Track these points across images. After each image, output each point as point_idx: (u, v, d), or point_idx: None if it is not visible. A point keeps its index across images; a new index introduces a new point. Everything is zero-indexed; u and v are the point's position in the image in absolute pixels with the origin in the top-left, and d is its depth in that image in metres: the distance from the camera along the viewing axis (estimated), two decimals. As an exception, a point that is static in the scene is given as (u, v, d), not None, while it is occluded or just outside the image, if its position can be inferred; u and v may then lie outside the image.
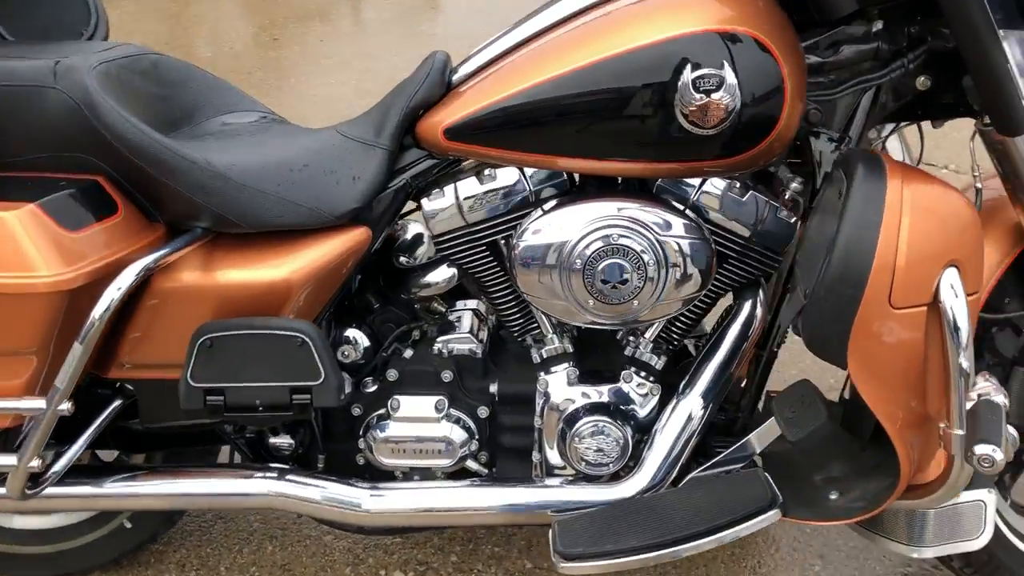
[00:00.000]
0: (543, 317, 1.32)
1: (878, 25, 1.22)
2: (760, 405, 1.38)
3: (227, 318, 1.22)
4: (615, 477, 1.31)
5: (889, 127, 1.37)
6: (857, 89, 1.24)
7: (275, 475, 1.31)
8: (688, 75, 1.12)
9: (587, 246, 1.19)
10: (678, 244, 1.20)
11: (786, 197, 1.29)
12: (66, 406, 1.18)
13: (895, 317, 1.05)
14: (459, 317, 1.40)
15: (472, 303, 1.42)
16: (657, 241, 1.19)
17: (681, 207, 1.24)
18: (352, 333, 1.37)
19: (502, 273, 1.31)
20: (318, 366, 1.22)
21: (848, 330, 1.04)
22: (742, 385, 1.38)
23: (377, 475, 1.37)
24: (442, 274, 1.34)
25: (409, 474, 1.36)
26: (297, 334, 1.21)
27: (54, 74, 1.17)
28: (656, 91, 1.13)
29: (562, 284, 1.21)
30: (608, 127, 1.17)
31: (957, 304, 1.05)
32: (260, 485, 1.30)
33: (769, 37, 1.13)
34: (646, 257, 1.19)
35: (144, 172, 1.19)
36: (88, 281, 1.14)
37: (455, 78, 1.28)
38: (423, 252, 1.39)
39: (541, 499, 1.30)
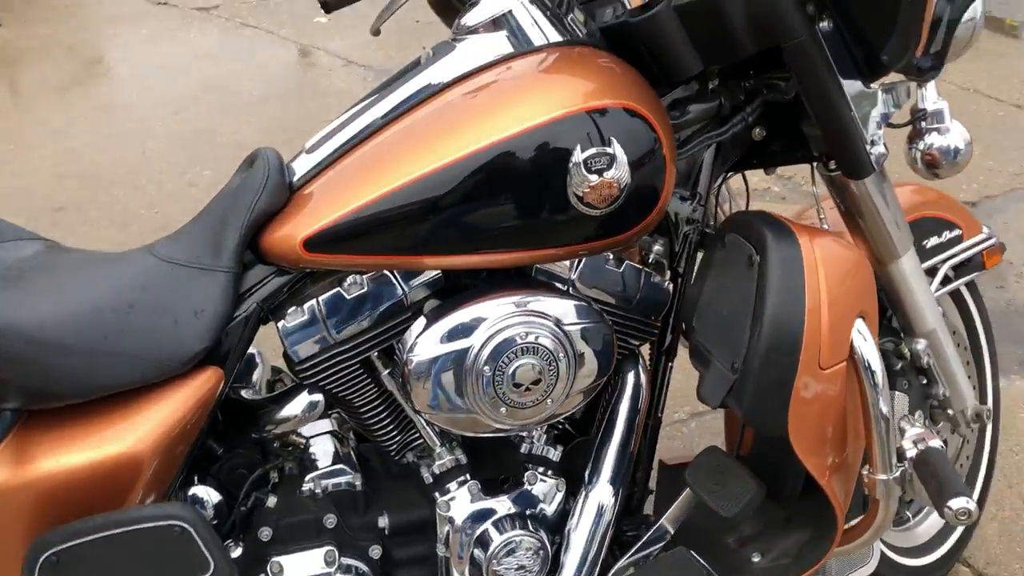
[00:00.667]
0: (429, 430, 1.18)
1: (715, 82, 1.22)
2: (653, 476, 1.34)
3: (66, 520, 0.95)
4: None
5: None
6: (704, 146, 1.23)
7: None
8: (579, 156, 1.04)
9: (494, 350, 1.07)
10: (581, 331, 1.11)
11: (650, 261, 1.26)
12: None
13: (824, 377, 1.04)
14: (319, 445, 1.22)
15: (324, 424, 1.24)
16: (563, 332, 1.10)
17: (566, 289, 1.16)
18: (196, 491, 1.14)
19: (378, 390, 1.16)
20: (204, 555, 0.99)
21: (788, 400, 1.02)
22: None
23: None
24: (304, 404, 1.15)
25: None
26: (173, 522, 0.97)
27: None
28: (544, 177, 1.04)
29: (468, 396, 1.08)
30: (494, 219, 1.06)
31: (869, 351, 1.07)
32: None
33: (643, 106, 1.08)
34: (557, 352, 1.09)
35: None
36: None
37: (295, 179, 1.11)
38: (278, 388, 1.20)
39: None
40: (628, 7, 1.14)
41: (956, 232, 1.48)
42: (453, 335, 1.08)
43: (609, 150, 1.04)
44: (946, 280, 1.47)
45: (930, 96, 1.25)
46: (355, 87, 3.87)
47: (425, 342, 1.07)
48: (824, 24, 1.11)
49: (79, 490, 0.97)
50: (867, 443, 1.10)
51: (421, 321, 1.09)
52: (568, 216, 1.06)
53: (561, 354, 1.09)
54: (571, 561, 1.18)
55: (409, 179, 1.03)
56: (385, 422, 1.17)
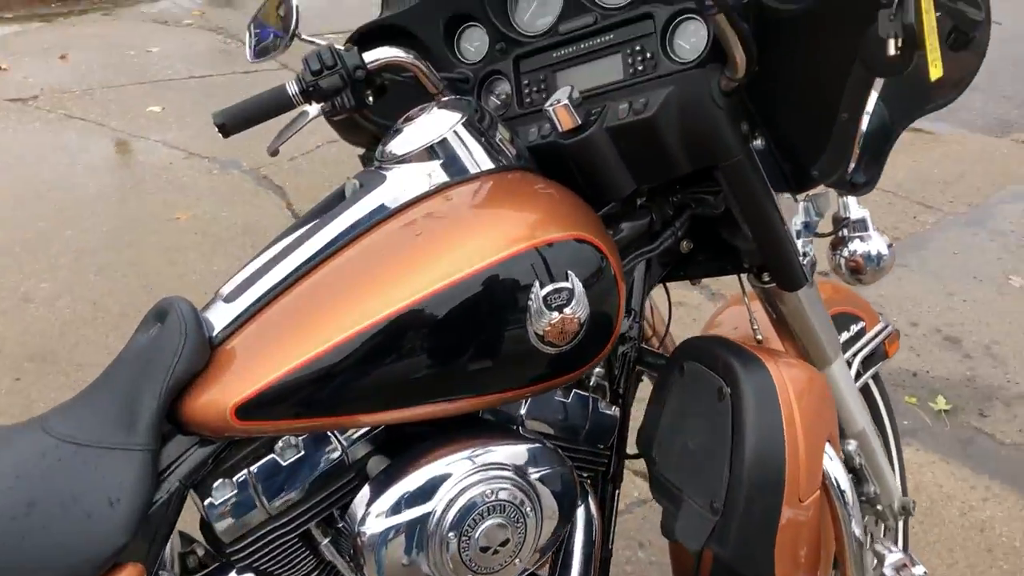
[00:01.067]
0: None
1: (643, 198, 1.20)
2: None
3: None
4: None
5: None
6: (638, 262, 1.20)
7: None
8: (538, 294, 0.97)
9: (457, 515, 0.97)
10: (543, 477, 1.03)
11: (591, 385, 1.20)
12: None
13: (803, 509, 1.01)
14: None
15: None
16: (527, 482, 1.01)
17: (516, 428, 1.08)
18: None
19: (317, 561, 1.03)
20: None
21: (774, 539, 0.97)
22: None
23: None
24: None
25: None
26: None
27: None
28: (502, 318, 0.96)
29: (432, 565, 0.97)
30: (448, 367, 0.97)
31: (840, 476, 1.04)
32: None
33: (591, 233, 1.03)
34: (524, 506, 1.00)
35: None
36: None
37: (214, 334, 0.98)
38: (192, 563, 1.04)
39: None
40: (557, 127, 1.09)
41: (861, 324, 1.51)
42: (409, 502, 0.96)
43: (567, 285, 0.98)
44: (857, 375, 1.49)
45: (852, 205, 1.27)
46: (199, 180, 3.68)
47: (378, 511, 0.96)
48: (757, 142, 1.11)
49: None
50: (842, 569, 1.07)
51: (368, 487, 0.98)
52: (527, 356, 0.98)
53: (528, 508, 1.01)
54: None
55: (352, 332, 0.92)
56: None
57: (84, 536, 0.86)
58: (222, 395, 0.92)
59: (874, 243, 1.25)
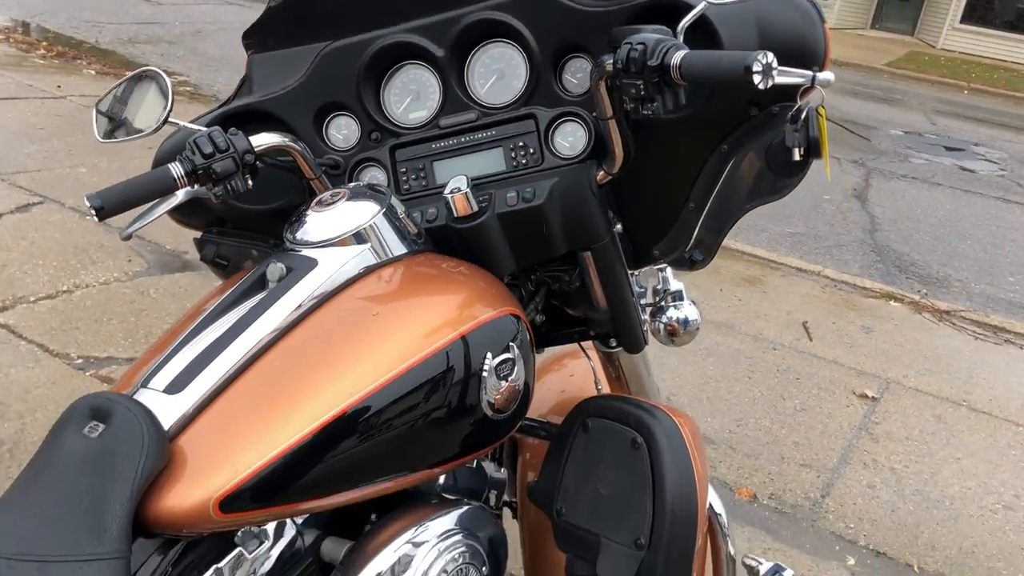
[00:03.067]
0: None
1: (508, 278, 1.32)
2: None
3: None
4: None
5: None
6: None
7: None
8: (490, 365, 1.04)
9: None
10: (490, 538, 1.09)
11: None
12: None
13: (703, 536, 1.16)
14: None
15: None
16: (486, 546, 1.07)
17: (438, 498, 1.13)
18: None
19: None
20: None
21: (691, 564, 1.12)
22: None
23: None
24: None
25: None
26: None
27: None
28: (462, 391, 1.02)
29: None
30: (418, 442, 1.00)
31: (719, 504, 1.22)
32: None
33: (516, 307, 1.13)
34: (483, 568, 1.05)
35: None
36: None
37: (167, 428, 0.93)
38: None
39: None
40: (453, 212, 1.18)
41: None
42: (391, 576, 0.98)
43: (510, 355, 1.07)
44: None
45: (670, 279, 1.50)
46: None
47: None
48: (617, 227, 1.29)
49: None
50: (715, 569, 1.25)
51: (346, 570, 0.98)
52: (479, 425, 1.05)
53: (484, 566, 1.06)
54: None
55: (324, 420, 0.93)
56: None
57: None
58: (202, 490, 0.88)
59: (687, 310, 1.48)
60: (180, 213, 1.30)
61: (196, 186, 1.12)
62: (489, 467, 1.26)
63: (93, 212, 1.05)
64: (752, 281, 4.23)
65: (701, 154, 1.20)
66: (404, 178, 1.25)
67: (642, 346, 1.35)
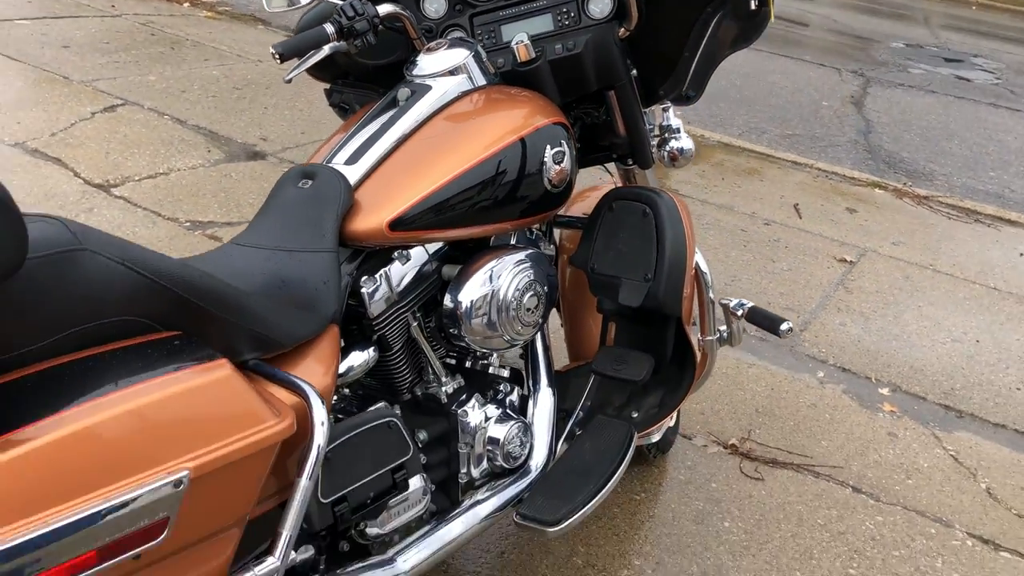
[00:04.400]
0: (437, 364, 1.59)
1: None
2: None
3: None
4: (521, 466, 1.67)
5: None
6: None
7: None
8: (548, 154, 1.58)
9: (515, 290, 1.55)
10: (548, 273, 1.64)
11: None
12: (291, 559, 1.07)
13: (691, 278, 1.71)
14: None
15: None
16: (545, 274, 1.62)
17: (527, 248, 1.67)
18: None
19: (408, 339, 1.55)
20: (407, 441, 1.31)
21: (682, 289, 1.66)
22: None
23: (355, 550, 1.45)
24: (362, 357, 1.49)
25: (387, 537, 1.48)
26: (386, 418, 1.29)
27: (74, 233, 1.02)
28: (532, 168, 1.56)
29: (501, 322, 1.54)
30: (507, 199, 1.54)
31: (701, 260, 1.77)
32: None
33: (564, 119, 1.66)
34: (543, 286, 1.61)
35: (192, 307, 1.11)
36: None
37: (351, 183, 1.47)
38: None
39: (498, 503, 1.59)
40: (517, 59, 1.70)
41: None
42: (487, 285, 1.53)
43: (562, 148, 1.60)
44: None
45: (672, 117, 2.01)
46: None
47: (468, 292, 1.51)
48: (633, 72, 1.80)
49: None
50: (702, 323, 1.80)
51: (459, 280, 1.53)
52: (542, 195, 1.59)
53: (545, 288, 1.61)
54: (539, 439, 1.69)
55: (451, 176, 1.47)
56: (407, 364, 1.56)
57: (318, 302, 1.33)
58: (377, 218, 1.42)
59: (684, 141, 1.99)
60: (316, 69, 1.81)
61: (340, 42, 1.63)
62: (542, 246, 1.79)
63: (277, 57, 1.57)
64: (751, 172, 4.73)
65: (693, 14, 1.71)
66: (479, 38, 1.76)
67: (651, 163, 1.88)
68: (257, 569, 1.06)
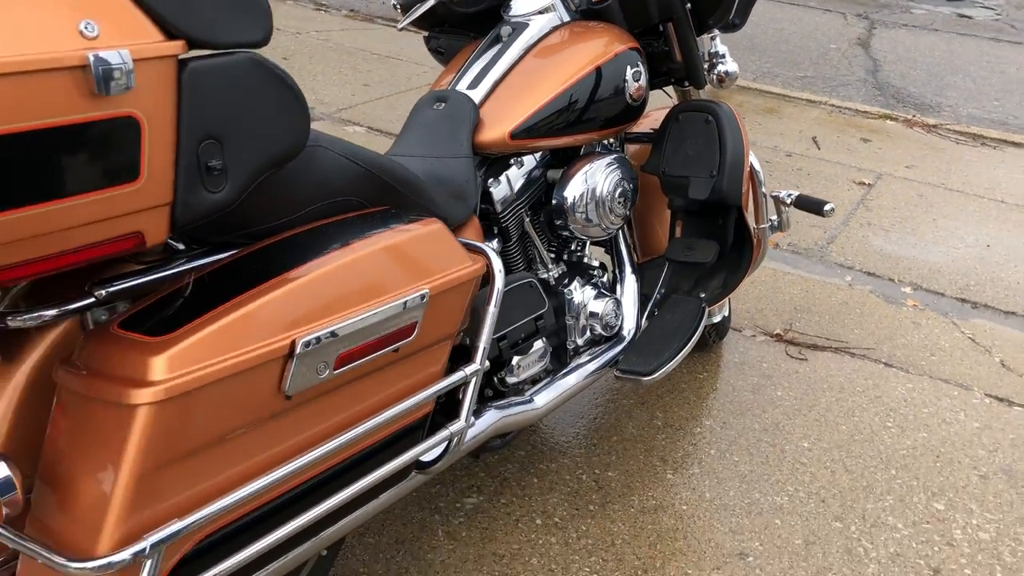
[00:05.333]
0: (545, 253, 1.95)
1: None
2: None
3: None
4: (616, 334, 2.04)
5: None
6: None
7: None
8: (629, 73, 1.92)
9: (612, 187, 1.90)
10: (632, 175, 1.99)
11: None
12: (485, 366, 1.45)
13: (748, 175, 2.06)
14: None
15: None
16: (630, 174, 1.97)
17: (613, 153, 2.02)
18: None
19: (521, 232, 1.90)
20: (543, 297, 1.68)
21: (741, 182, 2.01)
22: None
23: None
24: (491, 245, 1.85)
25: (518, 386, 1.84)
26: (528, 279, 1.65)
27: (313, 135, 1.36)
28: (619, 83, 1.91)
29: (599, 214, 1.89)
30: (600, 111, 1.89)
31: (754, 160, 2.12)
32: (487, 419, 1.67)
33: (638, 45, 2.00)
34: (631, 184, 1.96)
35: (394, 190, 1.46)
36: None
37: (476, 102, 1.82)
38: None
39: (600, 363, 1.95)
40: (590, 1, 2.04)
41: None
42: (588, 184, 1.88)
43: (639, 68, 1.95)
44: None
45: (719, 44, 2.35)
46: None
47: (574, 189, 1.87)
48: (688, 5, 2.14)
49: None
50: (755, 208, 2.15)
51: (564, 179, 1.88)
52: (624, 108, 1.94)
53: (631, 185, 1.97)
54: (627, 311, 2.05)
55: (558, 90, 1.82)
56: (521, 253, 1.92)
57: (464, 196, 1.68)
58: (500, 129, 1.77)
59: (730, 65, 2.33)
60: (417, 20, 2.15)
61: (448, -9, 1.97)
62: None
63: (397, 7, 1.92)
64: (769, 111, 5.05)
65: None
66: None
67: (704, 84, 2.21)
68: (467, 369, 1.43)
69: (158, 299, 1.15)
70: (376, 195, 1.43)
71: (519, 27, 1.93)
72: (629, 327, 2.03)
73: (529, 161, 1.88)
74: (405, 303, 1.26)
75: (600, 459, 2.15)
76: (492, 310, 1.48)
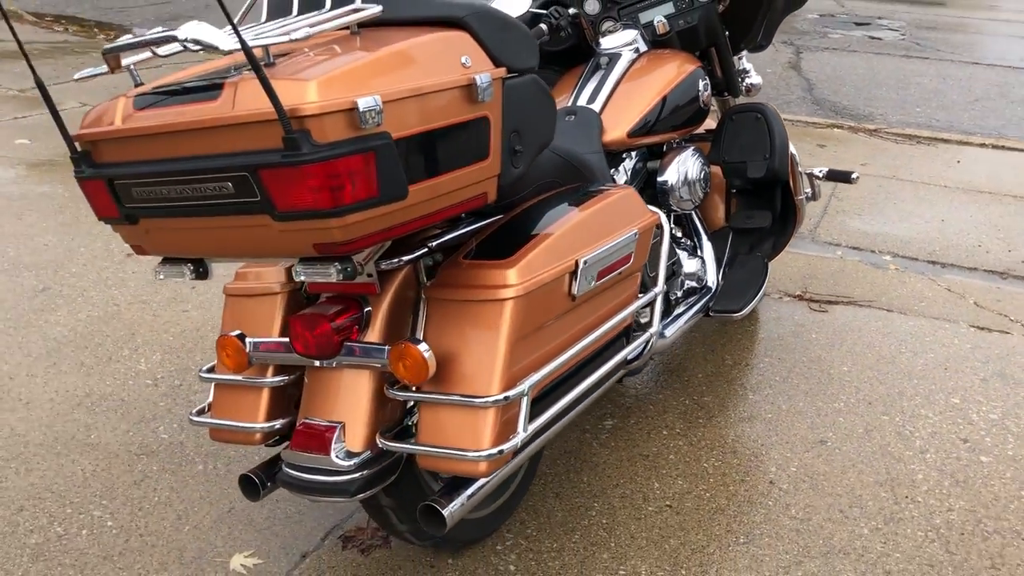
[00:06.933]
0: None
1: None
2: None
3: None
4: (704, 287, 2.61)
5: None
6: None
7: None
8: (701, 84, 2.53)
9: (698, 170, 2.49)
10: (706, 161, 2.59)
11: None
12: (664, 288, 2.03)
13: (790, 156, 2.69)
14: None
15: None
16: (706, 160, 2.57)
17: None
18: None
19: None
20: (673, 248, 2.27)
21: (788, 162, 2.62)
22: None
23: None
24: None
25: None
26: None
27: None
28: (696, 92, 2.51)
29: (691, 190, 2.48)
30: (684, 114, 2.48)
31: (793, 147, 2.75)
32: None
33: (702, 66, 2.62)
34: (708, 169, 2.56)
35: (579, 173, 2.03)
36: None
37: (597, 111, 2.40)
38: None
39: (697, 308, 2.53)
40: (656, 32, 2.65)
41: None
42: (680, 168, 2.47)
43: (706, 81, 2.56)
44: None
45: (745, 62, 2.98)
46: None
47: (671, 174, 2.46)
48: (727, 33, 2.77)
49: None
50: (794, 183, 2.77)
51: (663, 166, 2.47)
52: (697, 111, 2.54)
53: (708, 168, 2.57)
54: (710, 267, 2.64)
55: (654, 102, 2.41)
56: None
57: (606, 179, 2.24)
58: (620, 130, 2.35)
59: (755, 78, 2.97)
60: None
61: (546, 36, 2.57)
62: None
63: None
64: (734, 127, 5.76)
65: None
66: (625, 22, 2.71)
67: (740, 93, 2.85)
68: (655, 289, 2.00)
69: (477, 244, 1.69)
70: (569, 177, 2.00)
71: (614, 57, 2.53)
72: (712, 280, 2.62)
73: (635, 156, 2.47)
74: (628, 237, 1.83)
75: (695, 389, 2.73)
76: (665, 248, 2.05)
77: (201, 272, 1.59)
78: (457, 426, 1.55)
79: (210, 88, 1.38)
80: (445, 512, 1.58)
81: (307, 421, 1.65)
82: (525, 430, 1.57)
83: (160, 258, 1.61)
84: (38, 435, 2.38)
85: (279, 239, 1.40)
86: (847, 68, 7.82)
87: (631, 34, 2.57)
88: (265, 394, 1.75)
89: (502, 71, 1.58)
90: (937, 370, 2.87)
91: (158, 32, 1.41)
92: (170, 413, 2.48)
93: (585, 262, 1.71)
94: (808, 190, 2.95)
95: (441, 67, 1.49)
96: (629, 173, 2.44)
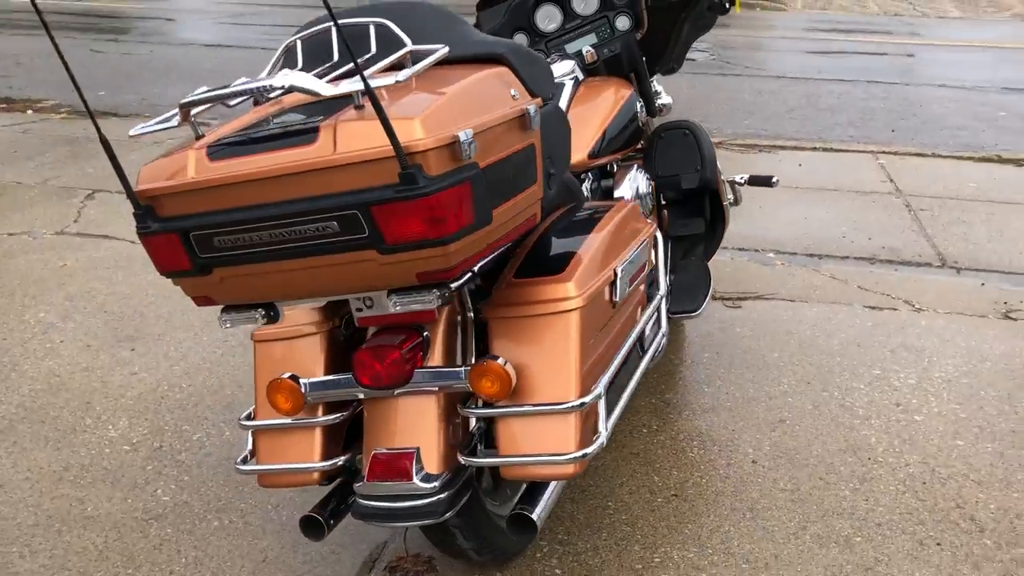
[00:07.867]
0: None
1: None
2: None
3: None
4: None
5: None
6: None
7: None
8: (638, 107, 2.74)
9: (645, 182, 2.69)
10: (650, 174, 2.80)
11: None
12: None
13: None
14: None
15: None
16: (651, 174, 2.78)
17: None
18: None
19: None
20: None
21: (716, 172, 2.87)
22: None
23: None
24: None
25: None
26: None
27: None
28: (634, 115, 2.72)
29: (643, 204, 2.67)
30: (628, 133, 2.68)
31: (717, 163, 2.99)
32: None
33: (635, 89, 2.83)
34: (654, 181, 2.76)
35: (573, 196, 2.17)
36: None
37: None
38: None
39: (653, 307, 2.71)
40: (585, 61, 2.85)
41: None
42: (631, 183, 2.67)
43: (640, 103, 2.77)
44: None
45: (657, 84, 3.23)
46: None
47: (625, 189, 2.64)
48: (644, 58, 3.00)
49: None
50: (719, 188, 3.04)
51: (616, 184, 2.64)
52: (636, 130, 2.74)
53: (653, 181, 2.77)
54: (661, 271, 2.84)
55: (606, 124, 2.59)
56: None
57: (576, 194, 2.39)
58: (581, 152, 2.51)
59: (666, 98, 3.22)
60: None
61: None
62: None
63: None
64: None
65: (678, 17, 2.95)
66: (554, 53, 2.90)
67: (656, 113, 3.10)
68: (661, 291, 2.16)
69: (520, 262, 1.80)
70: (566, 198, 2.14)
71: (559, 86, 2.70)
72: (662, 287, 2.82)
73: (591, 176, 2.64)
74: (643, 245, 1.99)
75: (655, 388, 2.92)
76: (662, 253, 2.23)
77: (272, 316, 1.61)
78: (541, 433, 1.65)
79: (302, 133, 1.42)
80: (534, 516, 1.67)
81: (379, 451, 1.69)
82: (607, 429, 1.69)
83: (221, 307, 1.62)
84: (28, 516, 2.25)
85: (380, 272, 1.46)
86: (674, 89, 8.35)
87: (570, 64, 2.74)
88: (318, 433, 1.77)
89: (539, 101, 1.71)
90: (851, 347, 3.20)
91: (245, 82, 1.44)
92: (162, 475, 2.40)
93: (621, 270, 1.85)
94: (731, 196, 3.23)
95: (499, 100, 1.60)
96: (589, 192, 2.60)
